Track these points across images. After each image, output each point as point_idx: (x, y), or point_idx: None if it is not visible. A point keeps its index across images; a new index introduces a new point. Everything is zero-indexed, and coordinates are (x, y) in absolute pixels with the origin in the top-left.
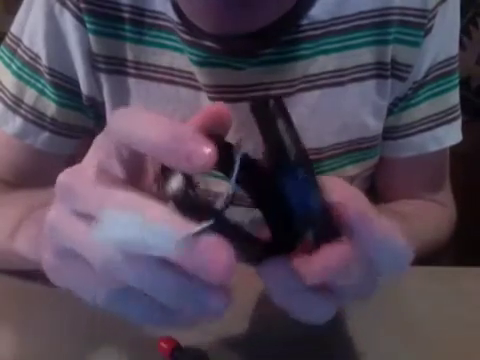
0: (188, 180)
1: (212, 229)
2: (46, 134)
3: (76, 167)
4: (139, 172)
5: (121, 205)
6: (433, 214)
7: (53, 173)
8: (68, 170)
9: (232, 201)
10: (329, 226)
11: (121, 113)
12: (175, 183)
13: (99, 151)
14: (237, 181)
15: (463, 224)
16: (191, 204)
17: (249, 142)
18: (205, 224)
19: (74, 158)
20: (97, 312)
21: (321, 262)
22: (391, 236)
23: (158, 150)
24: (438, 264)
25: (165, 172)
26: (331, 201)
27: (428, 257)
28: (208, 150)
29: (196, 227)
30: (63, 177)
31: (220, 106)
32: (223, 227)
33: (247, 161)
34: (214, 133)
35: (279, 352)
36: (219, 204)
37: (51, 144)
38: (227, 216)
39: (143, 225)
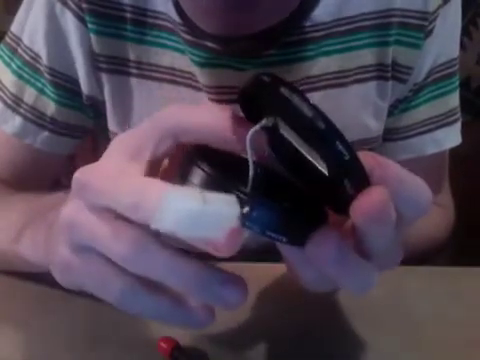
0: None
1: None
2: (46, 133)
3: (93, 165)
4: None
5: (137, 193)
6: (432, 215)
7: (53, 173)
8: (84, 168)
9: (257, 183)
10: (362, 175)
11: (173, 107)
12: (197, 176)
13: (130, 142)
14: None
15: (463, 224)
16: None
17: None
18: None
19: (74, 158)
20: (97, 312)
21: (367, 201)
22: (413, 179)
23: (214, 134)
24: (438, 264)
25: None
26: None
27: (427, 257)
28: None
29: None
30: (80, 174)
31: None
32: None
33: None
34: None
35: (279, 352)
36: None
37: (51, 144)
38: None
39: (204, 206)
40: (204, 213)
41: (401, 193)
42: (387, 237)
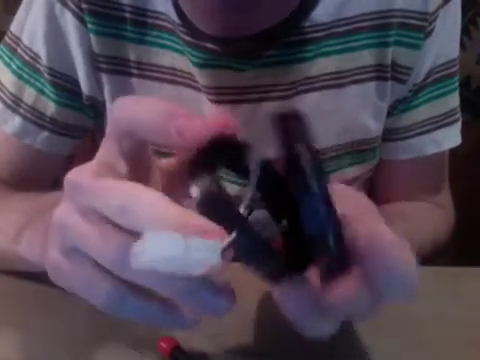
0: (216, 183)
1: (238, 238)
2: (45, 134)
3: (85, 165)
4: (145, 171)
5: (125, 196)
6: (432, 216)
7: (52, 173)
8: (77, 168)
9: (253, 208)
10: (342, 249)
11: (121, 102)
12: (203, 184)
13: (104, 146)
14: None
15: (463, 224)
16: (218, 207)
17: None
18: (233, 235)
19: (74, 158)
20: (97, 312)
21: (334, 299)
22: (401, 265)
23: (151, 130)
24: (438, 264)
25: (193, 174)
26: (344, 214)
27: (427, 258)
28: (199, 122)
29: (228, 238)
30: (70, 175)
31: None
32: (248, 235)
33: (264, 166)
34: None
35: (279, 352)
36: (242, 210)
37: (50, 144)
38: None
39: (186, 244)
40: (183, 260)
41: (382, 277)
42: (359, 309)
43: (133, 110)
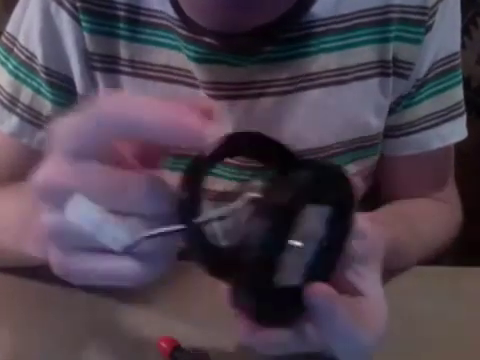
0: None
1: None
2: (42, 133)
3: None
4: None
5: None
6: (440, 214)
7: None
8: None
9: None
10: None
11: (111, 99)
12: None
13: (72, 138)
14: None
15: (464, 224)
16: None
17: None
18: (161, 230)
19: None
20: (97, 312)
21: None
22: (350, 335)
23: (161, 131)
24: (438, 264)
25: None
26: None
27: (432, 256)
28: (215, 126)
29: (147, 232)
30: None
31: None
32: (193, 238)
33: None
34: None
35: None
36: (201, 218)
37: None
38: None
39: (98, 223)
40: (94, 234)
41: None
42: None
43: (131, 108)
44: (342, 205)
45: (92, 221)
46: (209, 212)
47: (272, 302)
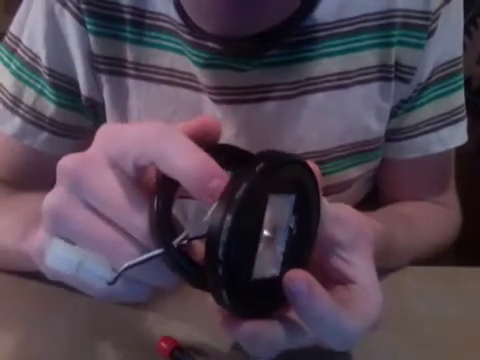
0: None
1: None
2: (45, 134)
3: (85, 153)
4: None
5: (120, 205)
6: (438, 217)
7: (52, 173)
8: (74, 156)
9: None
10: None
11: (162, 130)
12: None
13: (115, 145)
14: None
15: (464, 224)
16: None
17: (250, 143)
18: (140, 258)
19: None
20: (97, 312)
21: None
22: (333, 319)
23: (184, 178)
24: (438, 264)
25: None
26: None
27: (431, 259)
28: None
29: (128, 263)
30: (71, 163)
31: (210, 118)
32: (172, 261)
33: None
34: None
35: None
36: (180, 238)
37: (50, 145)
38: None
39: (79, 263)
40: (75, 276)
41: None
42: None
43: (168, 147)
44: (305, 191)
45: (71, 264)
46: (187, 230)
47: (253, 295)
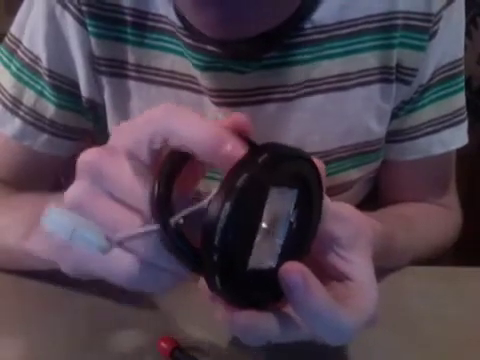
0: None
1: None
2: (45, 136)
3: (103, 147)
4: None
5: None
6: (438, 218)
7: (53, 174)
8: (94, 150)
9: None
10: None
11: (163, 106)
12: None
13: (128, 136)
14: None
15: (464, 224)
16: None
17: None
18: (135, 231)
19: (74, 159)
20: (97, 312)
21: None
22: (328, 313)
23: (198, 148)
24: (438, 264)
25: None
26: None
27: (431, 260)
28: (243, 151)
29: (122, 234)
30: (90, 156)
31: (241, 117)
32: (167, 238)
33: None
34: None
35: (279, 352)
36: (177, 217)
37: (50, 146)
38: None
39: (71, 229)
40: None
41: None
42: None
43: (177, 121)
44: (308, 186)
45: (65, 228)
46: (184, 210)
47: (248, 286)
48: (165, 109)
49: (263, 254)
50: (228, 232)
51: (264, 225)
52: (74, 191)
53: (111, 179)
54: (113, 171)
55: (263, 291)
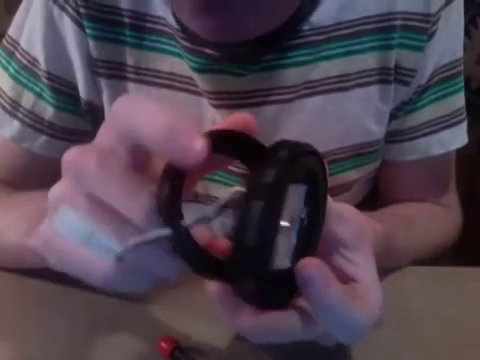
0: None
1: (168, 240)
2: (44, 138)
3: (85, 147)
4: (145, 158)
5: (119, 191)
6: (438, 218)
7: (52, 176)
8: (76, 148)
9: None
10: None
11: (125, 100)
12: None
13: (105, 133)
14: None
15: (464, 224)
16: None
17: None
18: (150, 235)
19: None
20: (97, 312)
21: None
22: (343, 309)
23: (152, 140)
24: (438, 264)
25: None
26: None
27: (431, 259)
28: (200, 146)
29: (137, 238)
30: (72, 155)
31: (246, 115)
32: (180, 242)
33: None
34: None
35: (279, 351)
36: (188, 219)
37: (49, 148)
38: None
39: (89, 234)
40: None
41: (326, 320)
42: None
43: (134, 111)
44: (316, 183)
45: (81, 232)
46: (195, 213)
47: (271, 287)
48: (123, 102)
49: (282, 253)
50: (261, 231)
51: (285, 223)
52: (57, 190)
53: (91, 178)
54: (93, 170)
55: (281, 291)
